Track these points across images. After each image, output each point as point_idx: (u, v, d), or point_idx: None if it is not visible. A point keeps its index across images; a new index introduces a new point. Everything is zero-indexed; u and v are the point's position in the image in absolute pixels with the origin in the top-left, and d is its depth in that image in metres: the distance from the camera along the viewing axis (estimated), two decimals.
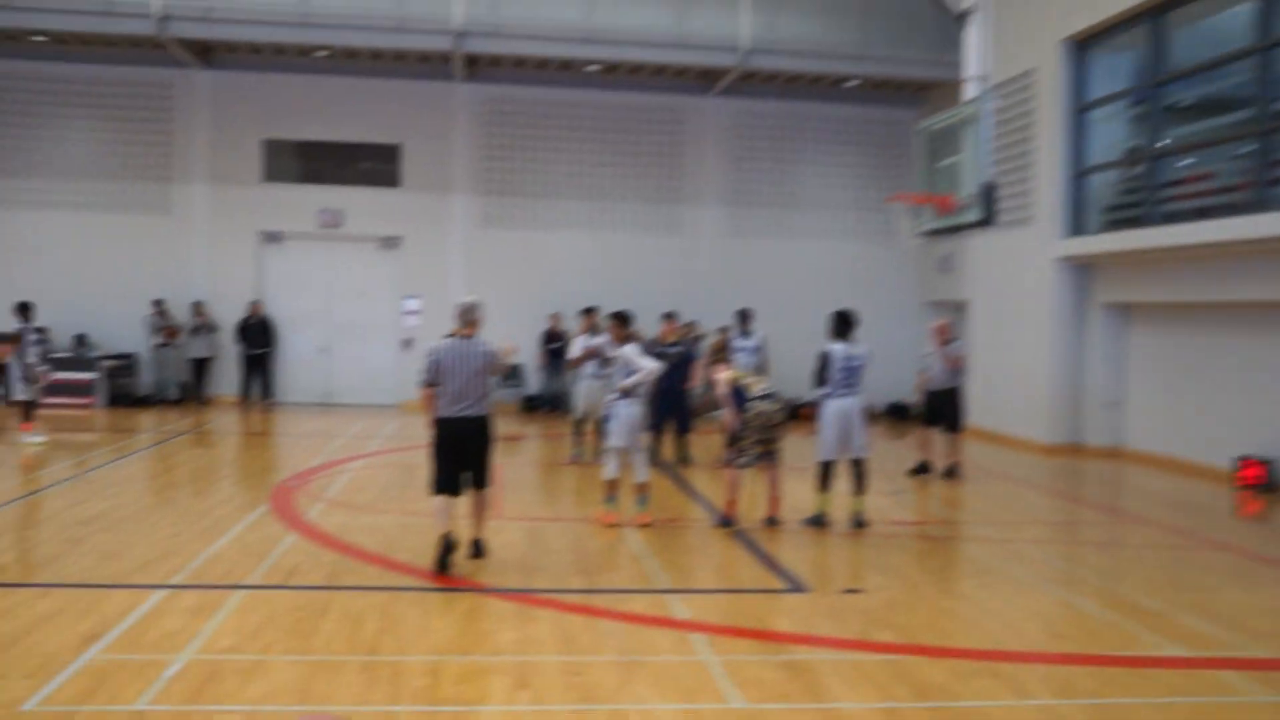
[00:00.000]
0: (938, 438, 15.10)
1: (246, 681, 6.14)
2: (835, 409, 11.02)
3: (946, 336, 14.70)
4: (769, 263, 23.77)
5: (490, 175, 23.22)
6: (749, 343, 15.72)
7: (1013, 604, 8.36)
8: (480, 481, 9.18)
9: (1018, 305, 19.35)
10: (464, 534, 9.39)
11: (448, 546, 8.80)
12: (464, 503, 9.30)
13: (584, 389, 14.91)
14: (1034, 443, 18.60)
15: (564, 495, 12.93)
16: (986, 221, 17.56)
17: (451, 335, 9.15)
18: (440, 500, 8.98)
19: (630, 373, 10.73)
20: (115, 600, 7.66)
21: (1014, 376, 19.40)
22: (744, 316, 16.18)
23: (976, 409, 20.99)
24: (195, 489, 12.61)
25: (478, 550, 9.31)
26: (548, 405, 22.66)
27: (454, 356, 8.98)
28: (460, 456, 9.04)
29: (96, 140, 22.38)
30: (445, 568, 8.73)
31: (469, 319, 9.12)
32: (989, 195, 17.31)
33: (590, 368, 14.58)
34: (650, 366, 10.76)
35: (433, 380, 8.99)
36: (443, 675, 6.36)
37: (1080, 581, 9.29)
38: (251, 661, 6.47)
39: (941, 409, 14.91)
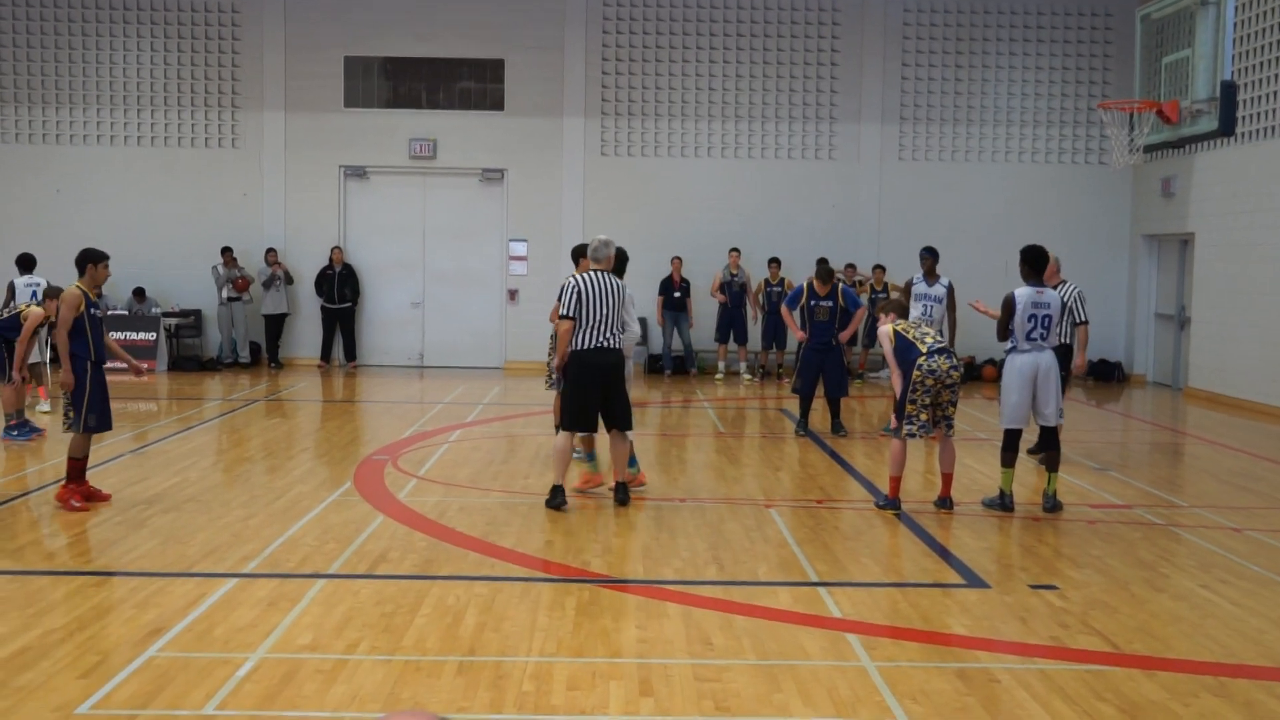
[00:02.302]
0: None
1: (327, 684, 6.33)
2: (1020, 367, 10.82)
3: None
4: (944, 191, 23.39)
5: (609, 94, 23.29)
6: (934, 290, 14.99)
7: (1249, 607, 8.15)
8: (621, 421, 10.74)
9: (1259, 238, 18.75)
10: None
11: (561, 493, 10.58)
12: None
13: None
14: (1277, 410, 18.04)
15: (695, 472, 12.99)
16: (1224, 132, 16.86)
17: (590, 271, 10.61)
18: (563, 439, 10.64)
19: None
20: (179, 591, 7.96)
21: (1252, 328, 18.84)
22: (929, 257, 15.28)
23: (1200, 368, 20.47)
24: (270, 465, 13.00)
25: (623, 497, 10.74)
26: (676, 365, 22.68)
27: (595, 289, 10.51)
28: (597, 392, 10.58)
29: (154, 64, 23.10)
30: (556, 506, 10.52)
31: (599, 256, 10.70)
32: (1229, 99, 16.58)
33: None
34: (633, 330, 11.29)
35: (572, 312, 10.47)
36: (553, 679, 6.46)
37: None
38: (333, 661, 6.67)
39: None
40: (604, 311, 10.52)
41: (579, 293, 10.50)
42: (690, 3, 23.24)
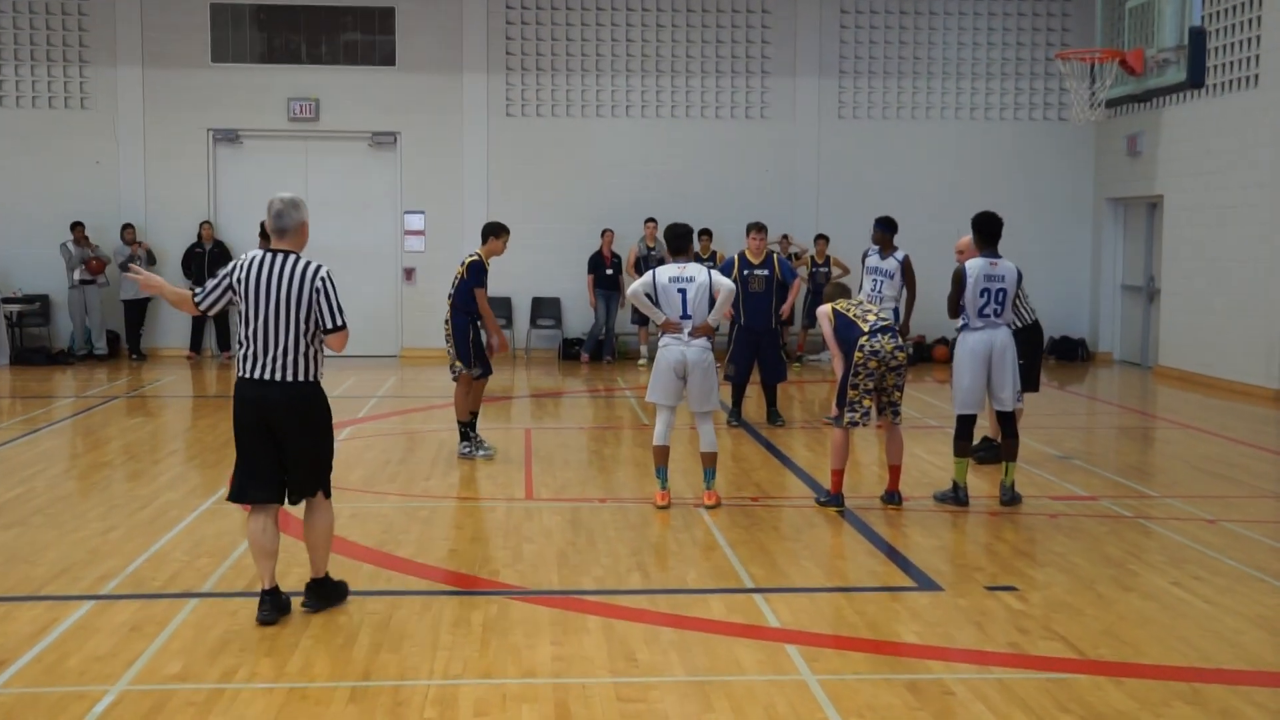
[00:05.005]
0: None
1: (200, 717, 6.25)
2: (973, 346, 10.92)
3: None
4: (889, 152, 23.60)
5: (514, 46, 23.23)
6: (886, 264, 14.84)
7: (1225, 606, 8.29)
8: (303, 486, 7.86)
9: (1234, 200, 19.03)
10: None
11: (268, 602, 7.74)
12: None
13: None
14: (1258, 389, 18.36)
15: (617, 468, 13.00)
16: (1193, 83, 17.09)
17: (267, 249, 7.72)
18: (249, 520, 7.89)
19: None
20: (26, 617, 7.82)
21: (1228, 301, 19.12)
22: (883, 227, 15.03)
23: (1171, 345, 20.76)
24: (131, 470, 12.84)
25: (316, 597, 8.01)
26: (594, 351, 22.67)
27: (257, 280, 7.51)
28: (267, 443, 7.66)
29: None
30: (269, 622, 7.70)
31: (282, 226, 7.65)
32: (1198, 47, 16.80)
33: None
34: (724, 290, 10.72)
35: (209, 306, 7.69)
36: (458, 705, 6.45)
37: None
38: (208, 691, 6.59)
39: None
40: (263, 319, 7.48)
41: (229, 284, 7.59)
42: None
